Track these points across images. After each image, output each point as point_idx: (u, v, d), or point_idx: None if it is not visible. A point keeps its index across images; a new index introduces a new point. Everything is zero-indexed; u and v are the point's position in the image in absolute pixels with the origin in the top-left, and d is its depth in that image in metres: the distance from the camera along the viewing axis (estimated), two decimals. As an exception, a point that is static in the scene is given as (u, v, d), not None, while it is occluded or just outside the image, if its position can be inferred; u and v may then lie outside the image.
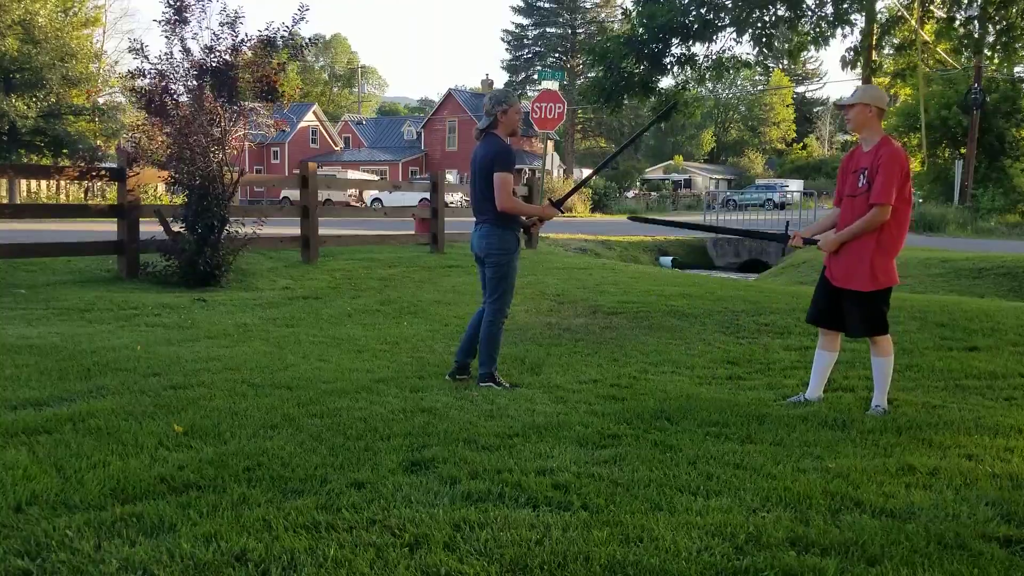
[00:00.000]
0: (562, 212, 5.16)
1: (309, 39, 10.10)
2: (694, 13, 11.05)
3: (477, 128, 5.14)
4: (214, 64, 9.30)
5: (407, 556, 2.64)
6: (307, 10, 9.75)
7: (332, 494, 3.13)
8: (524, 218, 5.22)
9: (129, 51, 9.36)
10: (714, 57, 11.87)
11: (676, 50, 11.58)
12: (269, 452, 3.58)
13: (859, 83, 25.11)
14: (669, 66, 11.70)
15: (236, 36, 9.41)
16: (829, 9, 11.56)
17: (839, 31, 11.80)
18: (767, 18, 11.25)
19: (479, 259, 5.18)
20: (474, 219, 5.15)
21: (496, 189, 4.93)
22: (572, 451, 3.74)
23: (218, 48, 9.34)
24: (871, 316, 4.67)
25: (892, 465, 3.61)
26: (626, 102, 12.82)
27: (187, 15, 9.29)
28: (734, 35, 11.56)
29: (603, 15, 67.25)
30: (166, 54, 9.32)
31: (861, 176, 4.57)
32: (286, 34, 9.65)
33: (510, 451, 3.71)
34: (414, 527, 2.83)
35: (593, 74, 13.54)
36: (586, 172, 58.64)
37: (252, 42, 9.49)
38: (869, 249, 4.57)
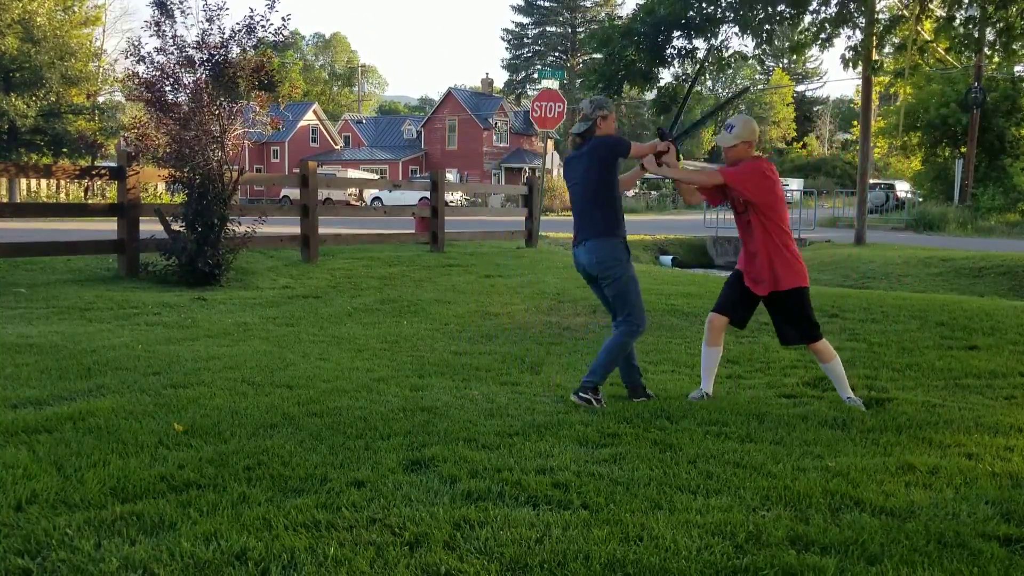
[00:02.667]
0: (678, 149, 4.86)
1: (282, 20, 9.94)
2: (696, 7, 11.04)
3: (573, 132, 4.74)
4: (207, 58, 9.29)
5: (407, 555, 2.64)
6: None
7: (332, 493, 3.13)
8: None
9: (124, 52, 9.37)
10: (715, 51, 11.86)
11: (677, 43, 11.57)
12: (269, 451, 3.58)
13: (859, 83, 25.06)
14: (670, 58, 11.69)
15: (223, 30, 9.41)
16: (832, 10, 11.55)
17: (843, 31, 11.79)
18: (770, 14, 11.24)
19: (591, 278, 4.81)
20: (576, 236, 4.75)
21: (635, 152, 4.66)
22: (572, 450, 3.74)
23: (208, 42, 9.34)
24: (797, 319, 4.80)
25: (892, 464, 3.61)
26: (626, 99, 12.81)
27: (171, 9, 9.29)
28: (736, 31, 11.55)
29: (603, 14, 67.23)
30: (159, 49, 9.33)
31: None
32: (264, 21, 9.59)
33: (510, 450, 3.71)
34: (414, 526, 2.83)
35: (595, 57, 13.52)
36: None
37: (238, 35, 9.46)
38: (768, 256, 4.75)
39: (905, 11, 12.20)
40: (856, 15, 11.44)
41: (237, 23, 9.56)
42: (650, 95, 12.84)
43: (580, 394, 4.61)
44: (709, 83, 69.45)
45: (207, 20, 9.36)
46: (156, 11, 9.28)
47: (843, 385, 4.87)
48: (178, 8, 9.32)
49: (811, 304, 4.86)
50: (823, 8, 11.58)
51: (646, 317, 4.84)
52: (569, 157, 4.86)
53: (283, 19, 9.91)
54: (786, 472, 3.47)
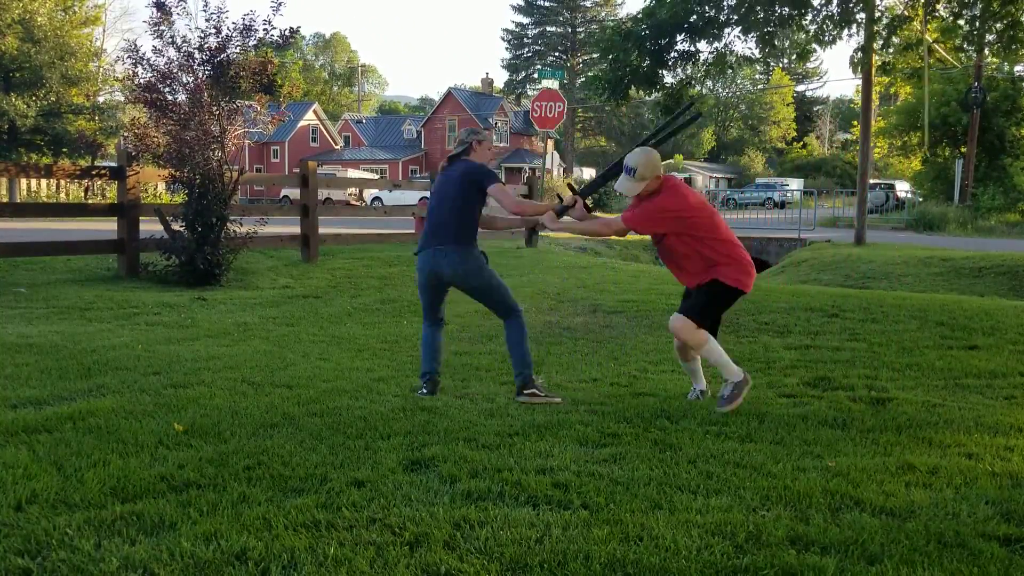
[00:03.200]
0: (587, 205, 4.92)
1: (290, 30, 9.92)
2: (698, 10, 11.03)
3: (449, 155, 4.98)
4: (208, 59, 9.29)
5: (407, 555, 2.64)
6: (281, 3, 9.65)
7: (332, 493, 3.13)
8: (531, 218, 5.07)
9: (123, 53, 9.37)
10: (716, 54, 11.86)
11: (680, 46, 11.57)
12: (269, 451, 3.58)
13: (859, 83, 25.01)
14: (672, 62, 11.69)
15: (220, 31, 9.39)
16: (835, 8, 11.55)
17: (844, 31, 11.78)
18: (771, 16, 11.23)
19: (443, 284, 4.94)
20: (428, 241, 4.90)
21: (499, 198, 4.77)
22: (572, 450, 3.74)
23: (207, 44, 9.34)
24: (699, 301, 4.64)
25: (892, 464, 3.61)
26: (632, 98, 12.80)
27: (170, 9, 9.29)
28: (739, 34, 11.55)
29: (603, 14, 67.22)
30: (157, 50, 9.34)
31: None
32: (266, 24, 9.58)
33: (510, 450, 3.71)
34: (414, 526, 2.83)
35: (600, 66, 13.51)
36: (587, 171, 58.63)
37: (234, 35, 9.46)
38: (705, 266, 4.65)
39: (908, 11, 12.20)
40: (856, 11, 11.44)
41: (234, 22, 9.57)
42: (655, 95, 12.83)
43: (524, 393, 4.69)
44: (709, 83, 69.46)
45: (207, 21, 9.37)
46: (155, 12, 9.28)
47: (726, 367, 4.58)
48: (176, 10, 9.32)
49: (721, 306, 4.72)
50: (824, 7, 11.57)
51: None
52: (441, 174, 5.00)
53: (292, 30, 9.87)
54: (786, 472, 3.47)
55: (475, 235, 4.87)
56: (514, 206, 4.83)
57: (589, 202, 4.96)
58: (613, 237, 5.07)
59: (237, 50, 9.46)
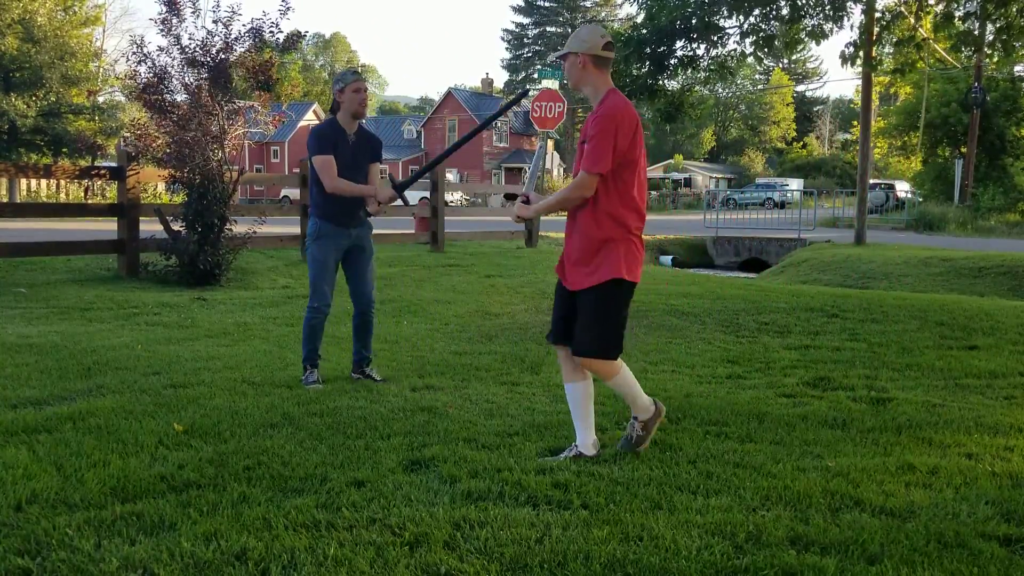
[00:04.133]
0: (404, 199, 4.88)
1: (295, 34, 9.92)
2: (696, 14, 11.02)
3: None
4: (209, 60, 9.28)
5: (407, 555, 2.64)
6: (289, 8, 9.63)
7: (332, 493, 3.13)
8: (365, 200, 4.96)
9: (125, 55, 9.34)
10: (718, 58, 11.85)
11: (680, 52, 11.55)
12: (269, 451, 3.58)
13: (859, 83, 25.01)
14: (673, 68, 11.67)
15: (229, 34, 9.38)
16: (827, 4, 11.54)
17: (835, 25, 11.78)
18: (769, 16, 11.23)
19: None
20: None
21: (319, 174, 4.80)
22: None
23: (212, 45, 9.32)
24: (592, 323, 3.54)
25: (892, 464, 3.61)
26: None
27: (181, 11, 9.27)
28: (737, 38, 11.54)
29: (603, 14, 67.22)
30: (162, 48, 9.33)
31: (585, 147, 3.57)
32: (273, 28, 9.55)
33: (510, 450, 3.71)
34: (414, 526, 2.83)
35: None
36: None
37: (243, 36, 9.45)
38: (589, 237, 3.56)
39: (903, 8, 12.20)
40: (849, 7, 11.43)
41: (244, 24, 9.53)
42: (656, 104, 12.82)
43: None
44: (710, 85, 69.41)
45: (214, 23, 9.34)
46: (165, 9, 9.25)
47: (635, 400, 3.70)
48: (188, 9, 9.30)
49: (623, 308, 3.73)
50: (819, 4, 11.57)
51: (322, 295, 4.97)
52: None
53: (298, 35, 9.85)
54: (786, 472, 3.47)
55: (317, 206, 4.90)
56: (329, 186, 4.80)
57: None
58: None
59: (243, 49, 9.44)
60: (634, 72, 11.35)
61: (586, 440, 3.65)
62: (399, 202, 4.91)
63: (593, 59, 3.60)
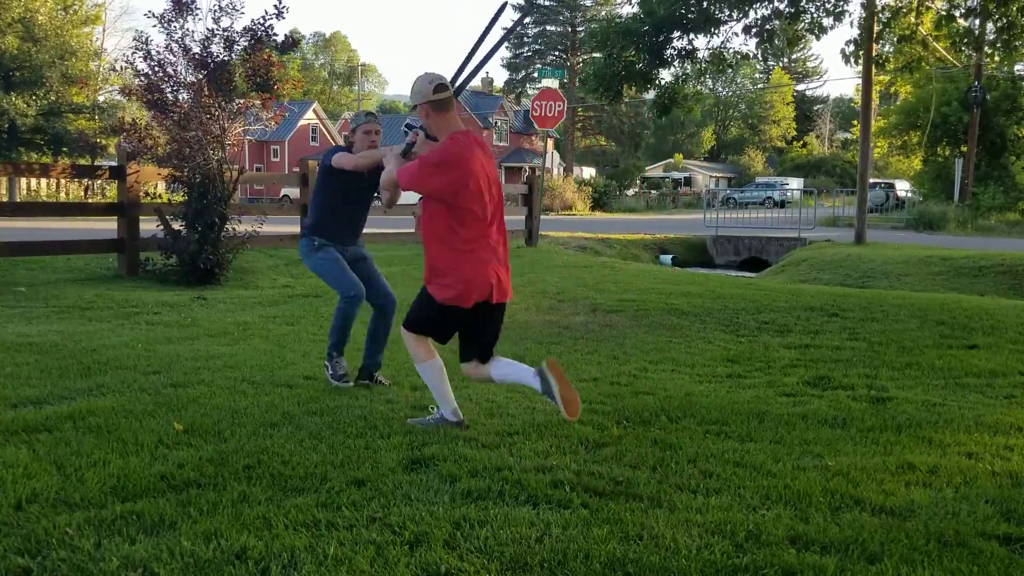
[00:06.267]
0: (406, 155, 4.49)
1: (291, 36, 9.89)
2: (695, 6, 11.03)
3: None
4: (209, 60, 9.27)
5: (407, 554, 2.64)
6: (285, 8, 9.58)
7: (332, 492, 3.13)
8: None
9: (133, 43, 9.29)
10: (715, 51, 11.86)
11: (677, 43, 11.56)
12: (269, 450, 3.58)
13: (859, 81, 25.03)
14: (670, 59, 11.68)
15: (227, 32, 9.35)
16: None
17: (835, 21, 11.78)
18: (767, 11, 11.24)
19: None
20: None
21: (342, 163, 4.71)
22: (572, 449, 3.74)
23: (211, 45, 9.31)
24: (414, 303, 4.02)
25: (892, 463, 3.61)
26: (626, 99, 12.80)
27: (185, 11, 9.25)
28: (736, 30, 11.55)
29: (603, 13, 67.18)
30: (164, 48, 9.31)
31: None
32: (268, 30, 9.50)
33: (510, 449, 3.71)
34: (414, 525, 2.83)
35: (595, 56, 13.47)
36: (587, 170, 58.58)
37: (242, 36, 9.42)
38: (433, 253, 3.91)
39: (904, 6, 12.20)
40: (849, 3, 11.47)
41: (245, 26, 9.49)
42: (650, 95, 12.82)
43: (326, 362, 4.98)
44: (709, 82, 69.42)
45: (215, 22, 9.31)
46: (171, 9, 9.23)
47: (443, 400, 4.02)
48: (191, 7, 9.27)
49: (435, 317, 3.93)
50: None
51: (352, 283, 4.90)
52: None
53: (294, 40, 9.84)
54: (786, 471, 3.47)
55: (315, 224, 4.92)
56: (350, 164, 4.73)
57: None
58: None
59: (241, 49, 9.42)
60: (630, 58, 11.35)
61: (446, 410, 4.03)
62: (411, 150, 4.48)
63: (430, 105, 3.87)
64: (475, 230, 3.83)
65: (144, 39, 9.24)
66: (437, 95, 3.86)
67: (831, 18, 11.57)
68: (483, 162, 3.89)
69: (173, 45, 9.30)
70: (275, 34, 9.53)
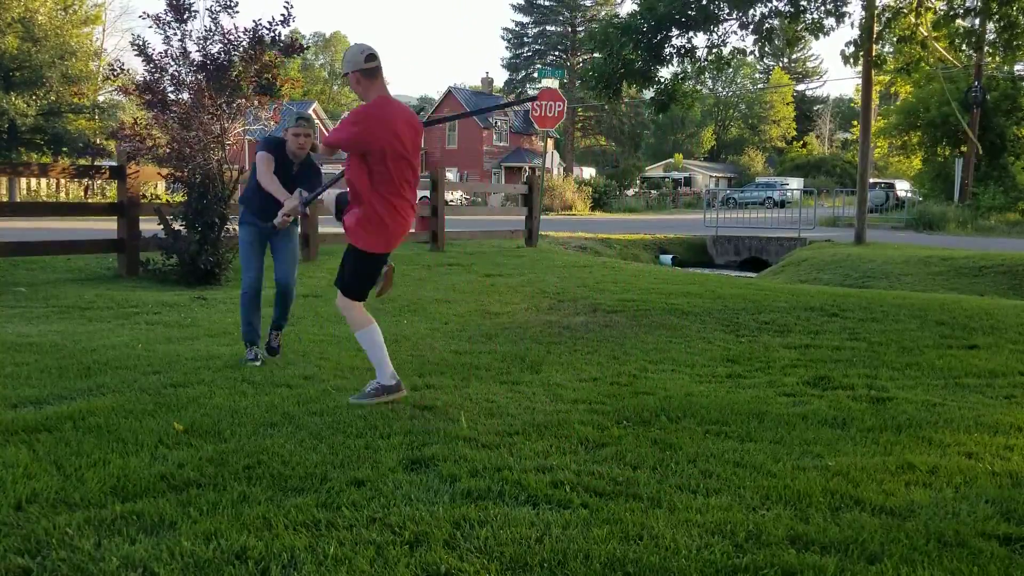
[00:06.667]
0: (306, 213, 5.09)
1: (291, 37, 9.89)
2: (695, 4, 11.03)
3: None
4: (210, 60, 9.26)
5: (407, 554, 2.64)
6: (292, 8, 9.55)
7: (332, 492, 3.13)
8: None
9: (131, 45, 9.27)
10: (714, 49, 11.86)
11: (676, 41, 11.56)
12: (269, 450, 3.58)
13: (859, 82, 25.02)
14: (669, 57, 11.68)
15: (227, 31, 9.34)
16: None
17: (836, 20, 11.78)
18: (767, 10, 11.25)
19: None
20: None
21: (259, 168, 5.19)
22: (572, 449, 3.74)
23: (211, 46, 9.30)
24: (342, 268, 4.53)
25: (892, 463, 3.61)
26: (626, 99, 12.83)
27: (182, 14, 9.24)
28: (735, 28, 11.55)
29: (603, 13, 67.17)
30: (164, 51, 9.30)
31: None
32: (273, 33, 9.49)
33: (510, 449, 3.71)
34: (414, 525, 2.83)
35: (595, 56, 13.46)
36: (587, 170, 58.60)
37: (244, 37, 9.40)
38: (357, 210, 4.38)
39: (904, 7, 12.21)
40: (849, 3, 11.48)
41: (246, 28, 9.47)
42: (648, 93, 12.83)
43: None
44: (709, 82, 69.44)
45: (213, 20, 9.30)
46: (168, 12, 9.22)
47: (380, 366, 4.40)
48: (191, 11, 9.26)
49: (362, 271, 4.48)
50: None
51: (248, 279, 5.53)
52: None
53: (301, 47, 9.83)
54: (786, 471, 3.47)
55: (244, 198, 5.43)
56: (260, 176, 5.16)
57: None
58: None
59: (241, 51, 9.41)
60: (629, 56, 11.36)
61: (383, 375, 4.38)
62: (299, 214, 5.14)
63: (361, 72, 4.34)
64: (392, 188, 4.30)
65: (142, 42, 9.23)
66: (368, 64, 4.34)
67: (832, 19, 11.57)
68: (404, 129, 4.31)
69: (171, 49, 9.29)
70: (281, 41, 9.53)
